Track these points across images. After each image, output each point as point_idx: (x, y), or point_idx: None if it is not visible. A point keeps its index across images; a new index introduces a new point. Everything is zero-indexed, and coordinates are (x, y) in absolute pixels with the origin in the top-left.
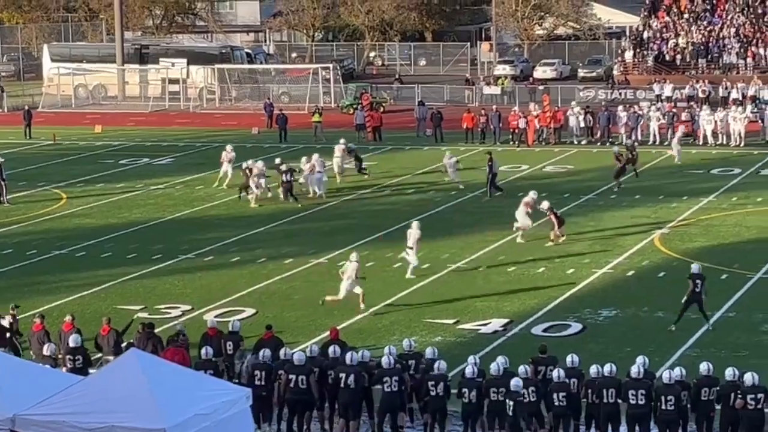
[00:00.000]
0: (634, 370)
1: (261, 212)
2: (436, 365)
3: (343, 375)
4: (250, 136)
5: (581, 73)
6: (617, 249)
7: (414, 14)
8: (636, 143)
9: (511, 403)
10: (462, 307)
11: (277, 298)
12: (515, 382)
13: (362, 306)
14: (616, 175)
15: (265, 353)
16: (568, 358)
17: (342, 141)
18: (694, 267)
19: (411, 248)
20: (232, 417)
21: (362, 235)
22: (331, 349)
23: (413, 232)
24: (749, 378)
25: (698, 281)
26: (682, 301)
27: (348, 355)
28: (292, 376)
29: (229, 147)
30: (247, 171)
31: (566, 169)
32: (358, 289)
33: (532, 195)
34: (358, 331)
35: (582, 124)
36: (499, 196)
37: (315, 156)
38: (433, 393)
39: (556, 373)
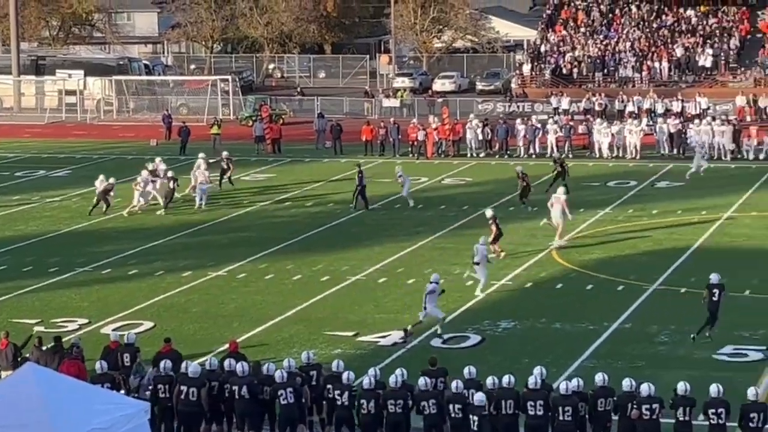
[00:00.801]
0: (532, 381)
1: (159, 225)
2: (345, 375)
3: (236, 387)
4: (149, 147)
5: (480, 86)
6: (516, 260)
7: (313, 26)
8: (562, 155)
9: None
10: (362, 319)
11: (175, 311)
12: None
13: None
14: (521, 196)
15: (167, 365)
16: (465, 370)
17: (201, 155)
18: (714, 277)
19: (477, 264)
20: (130, 431)
21: (262, 247)
22: (227, 362)
23: (480, 248)
24: (645, 389)
25: (715, 291)
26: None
27: (239, 366)
28: (184, 388)
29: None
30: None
31: (465, 181)
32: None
33: (561, 191)
34: (258, 344)
35: (480, 137)
36: (382, 210)
37: (202, 166)
38: (338, 402)
39: (455, 385)
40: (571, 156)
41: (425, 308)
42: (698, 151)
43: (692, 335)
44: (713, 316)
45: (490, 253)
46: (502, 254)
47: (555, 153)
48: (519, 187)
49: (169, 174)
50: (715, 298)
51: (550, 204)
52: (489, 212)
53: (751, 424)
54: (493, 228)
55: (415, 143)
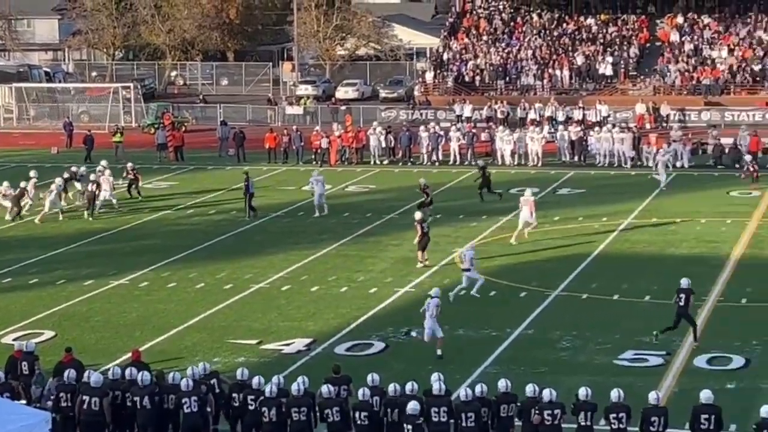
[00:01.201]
0: (436, 388)
1: (61, 233)
2: (254, 380)
3: (137, 397)
4: (50, 156)
5: (383, 93)
6: (420, 268)
7: (216, 34)
8: (486, 162)
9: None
10: (265, 327)
11: (77, 320)
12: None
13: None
14: (420, 205)
15: (70, 374)
16: (369, 377)
17: (103, 162)
18: (683, 282)
19: (468, 270)
20: None
21: (164, 255)
22: (127, 371)
23: (467, 254)
24: (547, 394)
25: (682, 295)
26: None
27: (140, 376)
28: (86, 398)
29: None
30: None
31: (368, 188)
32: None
33: (528, 193)
34: (161, 353)
35: (383, 145)
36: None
37: (106, 172)
38: (251, 407)
39: (361, 392)
40: (473, 163)
41: (426, 324)
42: (661, 161)
43: (695, 344)
44: (679, 320)
45: (418, 262)
46: (426, 262)
47: (479, 160)
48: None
49: (92, 177)
50: (681, 303)
51: (521, 205)
52: (418, 215)
53: (651, 428)
54: (418, 229)
55: (319, 151)
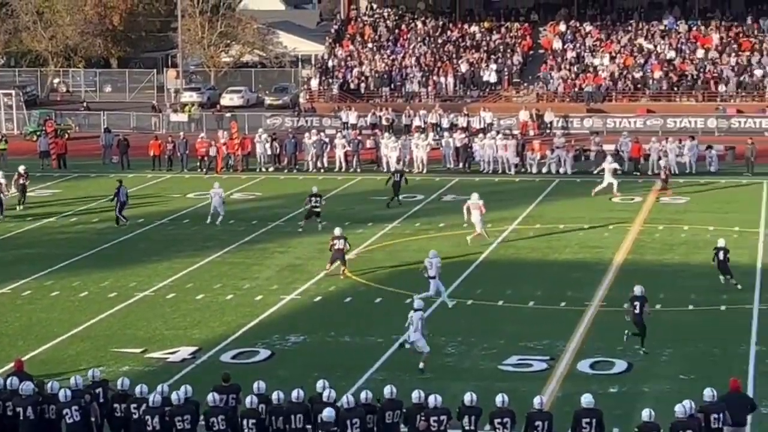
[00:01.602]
0: (325, 395)
1: None
2: (137, 389)
3: (20, 408)
4: None
5: (268, 100)
6: (305, 275)
7: (99, 40)
8: (403, 168)
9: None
10: (150, 336)
11: None
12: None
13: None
14: (306, 217)
15: None
16: (255, 385)
17: None
18: (636, 289)
19: (433, 278)
20: None
21: (47, 264)
22: (8, 381)
23: (434, 261)
24: (432, 400)
25: (636, 303)
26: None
27: (23, 386)
28: None
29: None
30: None
31: (254, 196)
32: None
33: (475, 197)
34: (43, 363)
35: (269, 152)
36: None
37: None
38: (135, 416)
39: (248, 400)
40: (359, 170)
41: (411, 338)
42: (607, 168)
43: (642, 350)
44: (640, 328)
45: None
46: (327, 269)
47: (397, 165)
48: (305, 210)
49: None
50: (636, 311)
51: (466, 208)
52: (338, 230)
53: None
54: (334, 246)
55: (206, 158)
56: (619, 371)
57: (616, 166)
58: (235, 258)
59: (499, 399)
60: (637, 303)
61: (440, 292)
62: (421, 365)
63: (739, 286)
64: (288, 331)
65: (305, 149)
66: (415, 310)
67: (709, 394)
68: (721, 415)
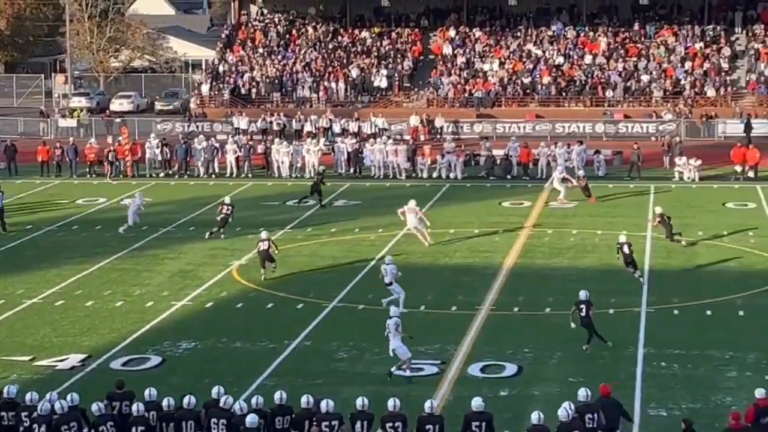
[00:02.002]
0: (222, 401)
1: None
2: (27, 397)
3: None
4: None
5: (158, 105)
6: (196, 281)
7: None
8: (324, 170)
9: None
10: (38, 343)
11: None
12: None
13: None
14: (221, 226)
15: None
16: (146, 392)
17: None
18: (582, 294)
19: (390, 284)
20: None
21: None
22: None
23: (389, 268)
24: (324, 405)
25: (582, 306)
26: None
27: None
28: None
29: None
30: None
31: (144, 201)
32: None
33: (413, 203)
34: None
35: (160, 157)
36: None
37: None
38: (26, 424)
39: (135, 408)
40: (250, 176)
41: (391, 345)
42: (557, 177)
43: (585, 347)
44: (589, 330)
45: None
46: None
47: (320, 167)
48: (220, 218)
49: None
50: (582, 314)
51: (402, 213)
52: (264, 234)
53: None
54: (264, 250)
55: (93, 164)
56: (509, 374)
57: (565, 175)
58: (125, 264)
59: (391, 403)
60: (583, 306)
61: (399, 294)
62: (393, 368)
63: (642, 279)
64: (179, 337)
65: (195, 155)
66: (390, 317)
67: (583, 394)
68: (595, 415)
